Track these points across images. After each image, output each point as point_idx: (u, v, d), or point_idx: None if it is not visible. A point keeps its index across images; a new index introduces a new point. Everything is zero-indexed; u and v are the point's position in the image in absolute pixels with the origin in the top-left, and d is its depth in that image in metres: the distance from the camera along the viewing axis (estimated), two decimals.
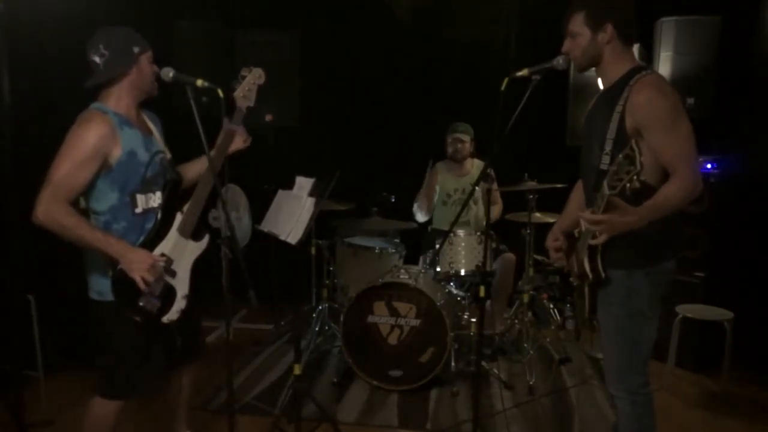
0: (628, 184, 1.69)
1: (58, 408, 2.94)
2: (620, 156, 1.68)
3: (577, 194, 2.31)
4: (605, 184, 1.76)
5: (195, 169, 2.34)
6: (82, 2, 3.30)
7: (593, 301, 2.07)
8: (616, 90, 1.94)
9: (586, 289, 2.08)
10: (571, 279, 2.20)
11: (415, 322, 3.27)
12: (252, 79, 2.29)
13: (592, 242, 1.88)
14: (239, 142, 2.32)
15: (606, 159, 1.91)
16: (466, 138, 4.10)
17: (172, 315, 2.12)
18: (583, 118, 4.37)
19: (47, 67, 3.21)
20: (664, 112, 1.84)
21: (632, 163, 1.64)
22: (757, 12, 3.68)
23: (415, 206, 4.08)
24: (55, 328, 3.22)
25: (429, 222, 4.29)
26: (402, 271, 3.50)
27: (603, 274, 1.96)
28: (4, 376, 2.80)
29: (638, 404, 2.04)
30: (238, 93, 2.26)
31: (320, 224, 3.58)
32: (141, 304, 2.04)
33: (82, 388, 2.20)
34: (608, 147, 1.91)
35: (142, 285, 2.00)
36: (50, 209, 1.90)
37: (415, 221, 4.11)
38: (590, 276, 2.00)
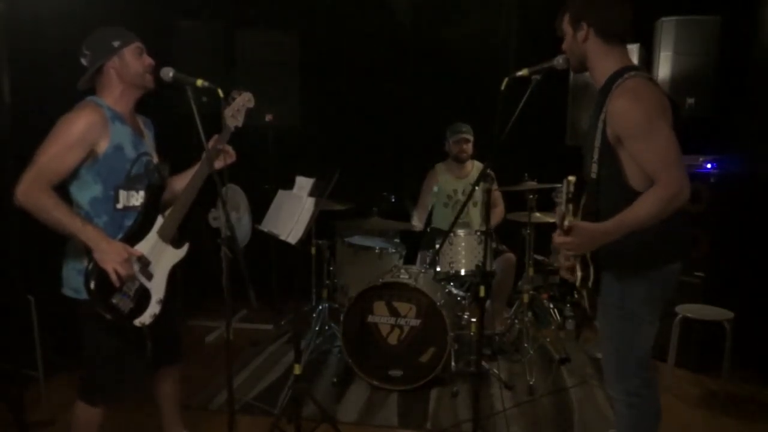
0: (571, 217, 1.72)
1: (58, 408, 2.93)
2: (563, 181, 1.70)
3: None
4: (569, 207, 1.75)
5: (184, 180, 2.32)
6: (82, 2, 3.30)
7: (592, 301, 2.06)
8: (601, 96, 1.92)
9: (585, 296, 2.06)
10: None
11: (415, 322, 3.27)
12: (241, 101, 2.33)
13: (568, 254, 1.88)
14: (226, 158, 2.32)
15: (594, 168, 1.89)
16: (471, 137, 4.10)
17: (144, 318, 2.09)
18: (583, 118, 4.40)
19: (47, 67, 3.21)
20: (638, 122, 1.78)
21: (595, 132, 1.66)
22: (757, 12, 3.69)
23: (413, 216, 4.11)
24: (55, 328, 3.22)
25: (428, 221, 4.29)
26: (402, 271, 3.50)
27: (590, 280, 1.94)
28: (4, 376, 2.80)
29: (635, 407, 2.02)
30: (227, 112, 2.29)
31: (320, 224, 3.58)
32: (113, 301, 2.01)
33: None
34: (596, 155, 1.89)
35: (114, 277, 1.97)
36: (31, 190, 1.90)
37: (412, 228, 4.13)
38: (578, 283, 1.98)
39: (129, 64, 2.12)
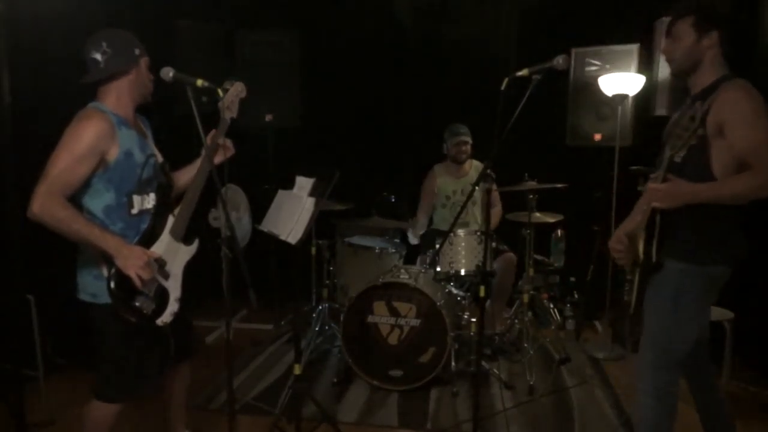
0: (690, 139, 1.81)
1: (58, 408, 2.93)
2: (686, 118, 1.81)
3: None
4: (666, 148, 1.88)
5: (187, 175, 2.34)
6: (82, 2, 3.30)
7: (641, 293, 2.10)
8: (704, 93, 2.00)
9: (637, 279, 2.09)
10: (627, 275, 2.23)
11: (415, 322, 3.27)
12: (234, 91, 2.33)
13: (654, 205, 1.96)
14: (225, 152, 2.32)
15: (683, 152, 1.97)
16: (470, 139, 4.09)
17: (165, 317, 2.11)
18: (583, 118, 4.38)
19: (47, 67, 3.21)
20: (748, 110, 1.89)
21: (693, 120, 1.77)
22: (757, 12, 3.68)
23: (410, 229, 4.07)
24: (55, 328, 3.22)
25: (428, 222, 4.28)
26: (402, 271, 3.50)
27: (654, 257, 2.01)
28: (4, 376, 2.80)
29: (663, 402, 2.06)
30: (222, 104, 2.28)
31: (320, 224, 3.58)
32: (137, 304, 2.02)
33: (82, 388, 2.20)
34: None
35: (138, 282, 1.98)
36: (46, 203, 1.89)
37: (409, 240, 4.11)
38: (641, 258, 2.04)
39: (144, 76, 2.15)
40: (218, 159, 2.26)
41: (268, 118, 4.25)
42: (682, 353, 2.06)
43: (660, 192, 1.92)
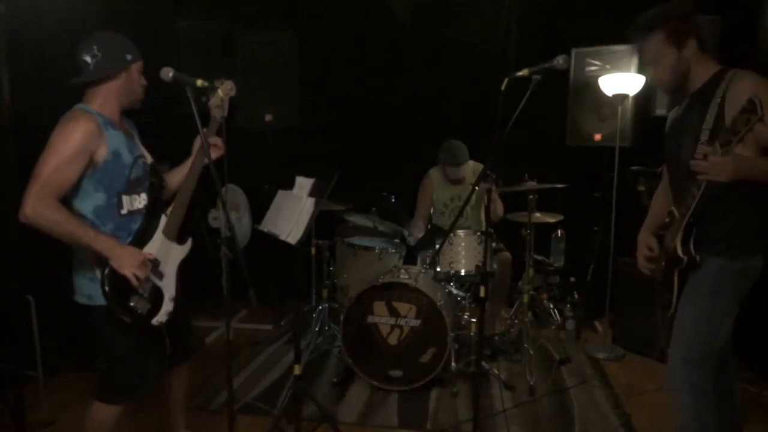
0: (748, 132, 1.71)
1: (58, 408, 2.94)
2: (737, 113, 1.71)
3: (661, 197, 2.36)
4: (717, 144, 1.80)
5: (178, 176, 2.34)
6: (82, 3, 3.30)
7: (680, 292, 2.09)
8: (709, 87, 1.99)
9: (676, 279, 2.09)
10: (654, 281, 2.23)
11: (415, 322, 3.27)
12: (224, 91, 2.33)
13: (709, 178, 1.88)
14: (215, 151, 2.31)
15: (701, 149, 1.94)
16: (468, 165, 3.93)
17: (160, 317, 2.12)
18: (583, 118, 4.37)
19: (47, 67, 3.21)
20: None
21: (754, 111, 1.67)
22: (757, 12, 3.68)
23: (407, 233, 3.95)
24: (54, 329, 3.22)
25: (428, 221, 4.27)
26: (402, 271, 3.50)
27: (697, 257, 2.01)
28: (4, 376, 2.80)
29: (699, 398, 2.08)
30: (213, 103, 2.29)
31: (320, 224, 3.58)
32: (131, 304, 2.03)
33: (82, 388, 2.20)
34: (704, 137, 1.95)
35: (134, 281, 1.99)
36: (38, 205, 1.89)
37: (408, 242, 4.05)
38: (684, 259, 2.03)
39: (134, 81, 2.15)
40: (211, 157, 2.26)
41: (268, 118, 4.25)
42: (716, 349, 2.07)
43: (720, 164, 1.81)
